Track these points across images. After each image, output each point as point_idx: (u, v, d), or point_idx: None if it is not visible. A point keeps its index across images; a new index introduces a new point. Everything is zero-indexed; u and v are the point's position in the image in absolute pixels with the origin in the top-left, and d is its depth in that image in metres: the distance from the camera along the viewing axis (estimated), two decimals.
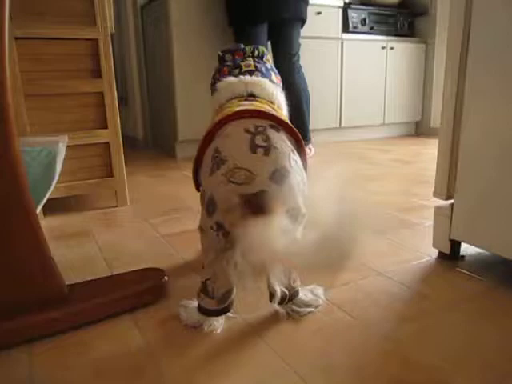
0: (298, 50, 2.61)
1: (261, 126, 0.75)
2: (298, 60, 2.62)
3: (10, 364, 0.74)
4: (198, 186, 0.86)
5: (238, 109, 0.82)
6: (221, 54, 1.22)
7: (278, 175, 0.70)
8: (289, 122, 0.83)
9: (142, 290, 0.91)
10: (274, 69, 1.20)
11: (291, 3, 2.44)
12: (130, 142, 3.31)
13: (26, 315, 0.79)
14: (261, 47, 1.21)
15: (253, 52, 1.19)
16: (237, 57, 1.20)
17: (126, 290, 0.90)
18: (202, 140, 0.81)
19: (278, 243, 0.60)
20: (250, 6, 2.40)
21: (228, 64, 1.18)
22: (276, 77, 1.18)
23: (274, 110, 0.92)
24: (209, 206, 0.73)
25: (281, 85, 1.19)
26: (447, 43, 1.03)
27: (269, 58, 1.22)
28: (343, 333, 0.81)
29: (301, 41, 2.65)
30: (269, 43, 2.61)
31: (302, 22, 2.59)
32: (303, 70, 2.67)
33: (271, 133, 0.75)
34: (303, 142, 0.84)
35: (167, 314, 0.89)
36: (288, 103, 2.48)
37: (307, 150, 2.75)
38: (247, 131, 0.74)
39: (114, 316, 0.87)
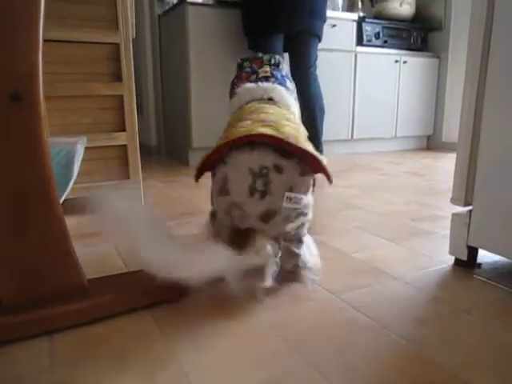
0: (315, 62, 2.62)
1: (265, 168, 0.83)
2: (315, 70, 2.63)
3: (32, 353, 0.75)
4: (198, 177, 0.98)
5: (255, 130, 0.85)
6: (240, 61, 1.27)
7: (266, 215, 0.84)
8: (301, 145, 0.86)
9: (160, 286, 0.92)
10: (289, 76, 1.27)
11: (306, 18, 2.46)
12: (143, 150, 3.33)
13: (47, 306, 0.80)
14: (277, 56, 1.27)
15: (270, 60, 1.25)
16: (254, 65, 1.24)
17: (144, 286, 0.91)
18: (215, 149, 0.89)
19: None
20: (266, 18, 2.44)
21: (246, 70, 1.23)
22: (291, 83, 1.23)
23: (290, 120, 0.97)
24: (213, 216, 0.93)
25: (295, 91, 1.24)
26: (467, 53, 1.04)
27: (284, 66, 1.28)
28: (360, 332, 0.81)
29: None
30: (286, 54, 2.64)
31: (318, 37, 2.61)
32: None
33: (273, 176, 0.83)
34: (320, 160, 0.89)
35: (185, 311, 0.90)
36: (302, 113, 2.51)
37: None
38: (251, 172, 0.83)
39: (133, 311, 0.88)
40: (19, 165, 0.76)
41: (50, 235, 0.81)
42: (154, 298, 0.91)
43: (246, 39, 2.62)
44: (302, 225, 0.91)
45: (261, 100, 1.09)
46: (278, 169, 0.84)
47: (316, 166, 0.90)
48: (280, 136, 0.84)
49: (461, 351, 0.75)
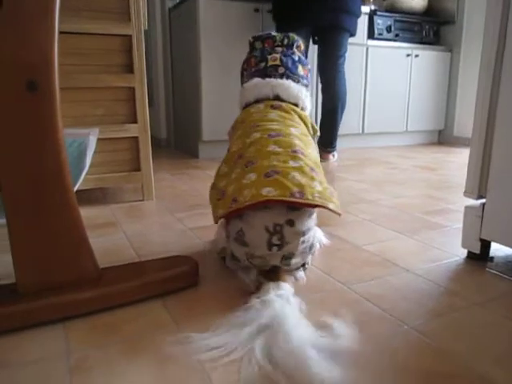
0: (344, 54, 2.61)
1: (278, 225, 0.87)
2: (343, 63, 2.62)
3: (49, 339, 0.76)
4: (217, 220, 0.96)
5: (259, 195, 0.85)
6: (251, 40, 1.22)
7: (285, 259, 0.90)
8: (307, 197, 0.86)
9: (173, 275, 0.93)
10: (303, 59, 1.19)
11: (335, 13, 2.45)
12: (153, 142, 3.35)
13: (62, 294, 0.81)
14: (291, 35, 1.20)
15: (282, 40, 1.19)
16: (266, 45, 1.19)
17: (157, 275, 0.91)
18: (231, 212, 0.89)
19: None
20: (296, 10, 2.45)
21: (256, 55, 1.19)
22: (304, 69, 1.18)
23: (296, 153, 0.95)
24: (232, 255, 0.96)
25: (308, 78, 1.20)
26: (482, 48, 1.03)
27: (300, 44, 1.21)
28: (373, 323, 0.81)
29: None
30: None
31: (348, 32, 2.58)
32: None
33: (286, 230, 0.87)
34: (327, 206, 0.89)
35: (197, 300, 0.90)
36: (324, 106, 2.48)
37: (331, 156, 2.75)
38: (267, 230, 0.87)
39: (145, 300, 0.89)
40: (34, 153, 0.77)
41: (64, 224, 0.81)
42: (167, 286, 0.91)
43: (258, 32, 2.61)
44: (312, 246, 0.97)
45: (267, 102, 1.09)
46: (290, 222, 0.88)
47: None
48: (286, 199, 0.85)
49: (475, 344, 0.75)
